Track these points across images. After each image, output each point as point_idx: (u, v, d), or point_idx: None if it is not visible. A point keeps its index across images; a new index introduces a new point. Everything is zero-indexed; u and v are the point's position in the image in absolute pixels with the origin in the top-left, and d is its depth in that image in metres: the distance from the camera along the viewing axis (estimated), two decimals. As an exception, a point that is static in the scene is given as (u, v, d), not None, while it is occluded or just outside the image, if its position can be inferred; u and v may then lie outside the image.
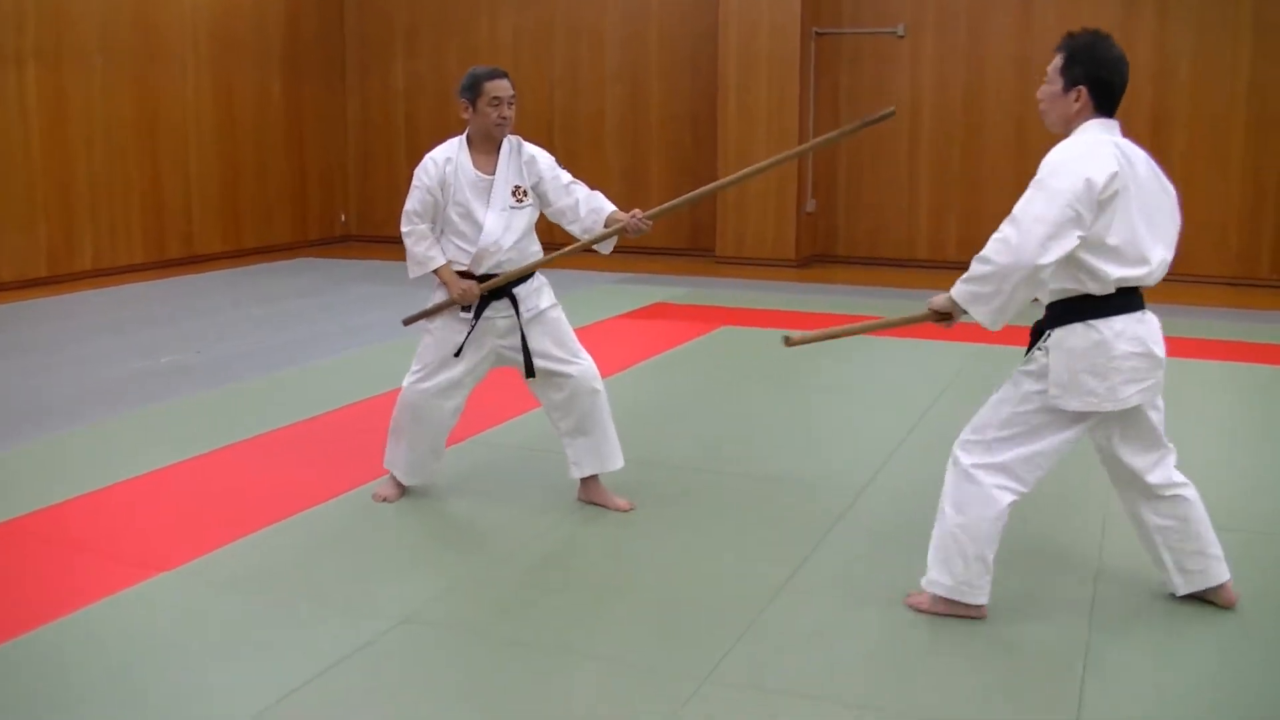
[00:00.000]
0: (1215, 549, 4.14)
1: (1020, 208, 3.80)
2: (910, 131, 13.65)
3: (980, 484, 4.01)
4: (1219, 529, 4.18)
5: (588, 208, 5.16)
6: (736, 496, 5.46)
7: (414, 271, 5.13)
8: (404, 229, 5.10)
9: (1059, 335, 3.90)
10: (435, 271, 5.06)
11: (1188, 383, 8.00)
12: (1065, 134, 3.99)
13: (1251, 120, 12.48)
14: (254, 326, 9.80)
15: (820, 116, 13.81)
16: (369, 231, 16.05)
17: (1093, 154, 3.79)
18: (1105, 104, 3.94)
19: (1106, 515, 5.11)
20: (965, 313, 3.94)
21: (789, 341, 4.20)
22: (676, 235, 14.67)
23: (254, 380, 7.75)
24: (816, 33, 13.62)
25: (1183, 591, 4.18)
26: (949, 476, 4.12)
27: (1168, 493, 4.07)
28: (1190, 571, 4.15)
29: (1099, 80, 3.90)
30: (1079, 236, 3.73)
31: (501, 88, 5.03)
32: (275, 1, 14.67)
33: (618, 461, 5.21)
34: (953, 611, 4.11)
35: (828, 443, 6.49)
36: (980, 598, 4.07)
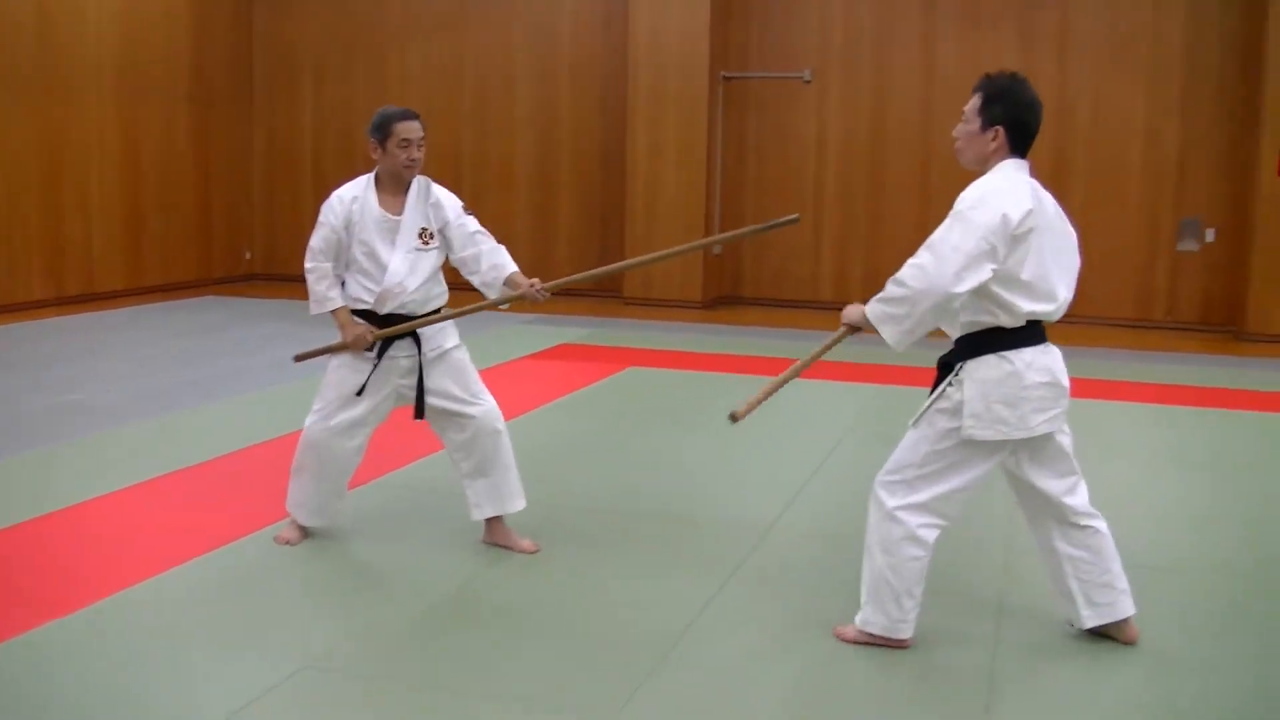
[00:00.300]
0: (1123, 583, 4.22)
1: (938, 235, 3.90)
2: (815, 175, 13.82)
3: (905, 524, 4.08)
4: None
5: (489, 263, 5.18)
6: (643, 537, 5.45)
7: (314, 309, 5.10)
8: (307, 265, 5.07)
9: (972, 367, 3.99)
10: (332, 313, 5.03)
11: (1088, 422, 8.14)
12: (981, 172, 4.09)
13: (1148, 164, 12.82)
14: (157, 365, 9.64)
15: (728, 158, 13.94)
16: (275, 269, 15.87)
17: (1010, 191, 3.91)
18: (1020, 144, 4.06)
19: (1009, 544, 5.18)
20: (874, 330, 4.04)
21: (735, 418, 4.21)
22: (585, 274, 14.67)
23: (156, 420, 7.61)
24: (724, 76, 13.76)
25: (1089, 625, 4.24)
26: (872, 517, 4.17)
27: (1082, 521, 4.17)
28: (1098, 604, 4.21)
29: (1017, 121, 4.02)
30: (992, 269, 3.84)
31: (412, 129, 5.02)
32: (181, 33, 14.49)
33: (519, 503, 5.18)
34: (878, 642, 4.17)
35: (734, 483, 6.51)
36: (908, 632, 4.15)
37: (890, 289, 3.96)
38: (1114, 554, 4.22)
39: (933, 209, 13.24)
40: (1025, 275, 3.90)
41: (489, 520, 5.18)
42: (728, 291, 14.35)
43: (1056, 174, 12.55)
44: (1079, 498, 4.19)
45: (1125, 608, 4.23)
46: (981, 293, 3.90)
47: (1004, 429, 3.97)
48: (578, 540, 5.33)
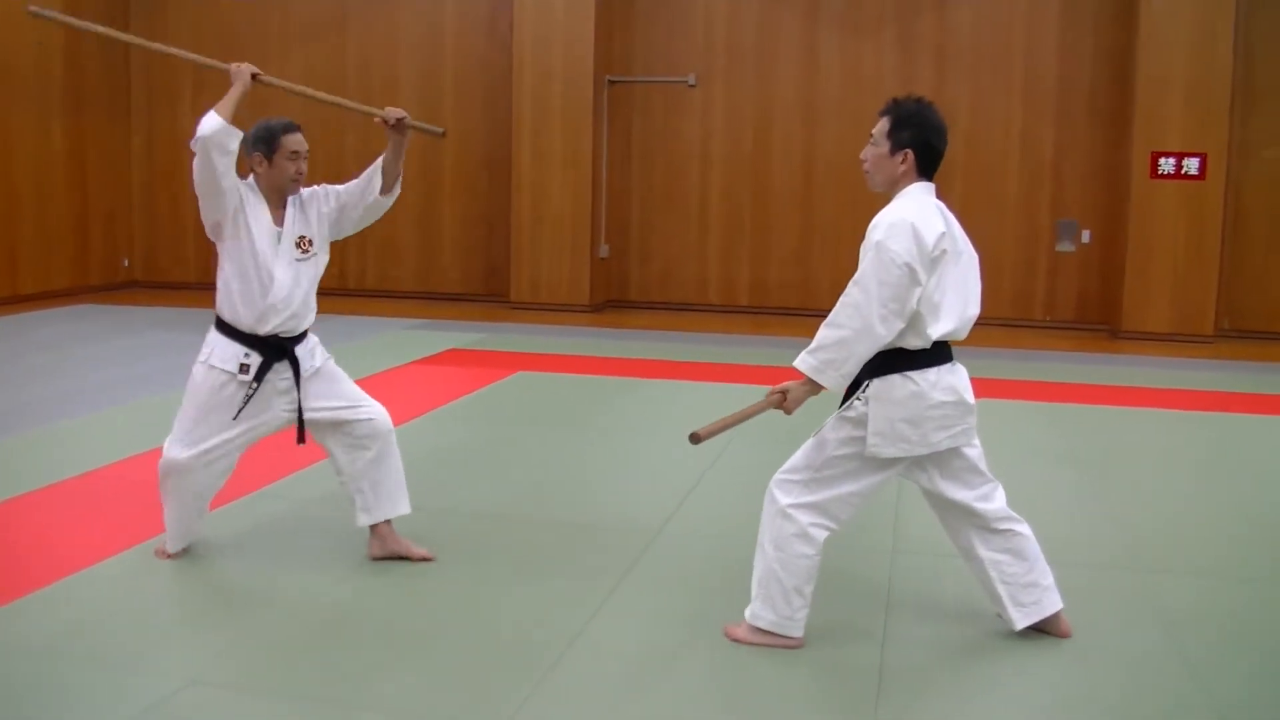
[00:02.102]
0: (1048, 579, 4.31)
1: (863, 272, 3.92)
2: (701, 178, 13.90)
3: (797, 521, 4.12)
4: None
5: (367, 171, 5.09)
6: (533, 543, 5.42)
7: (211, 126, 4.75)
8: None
9: (877, 386, 4.04)
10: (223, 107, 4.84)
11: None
12: (889, 194, 4.16)
13: (1025, 168, 13.10)
14: (31, 376, 9.39)
15: (613, 162, 13.96)
16: (154, 277, 15.58)
17: (922, 215, 3.98)
18: (928, 167, 4.13)
19: (894, 547, 5.24)
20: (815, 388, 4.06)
21: (696, 438, 4.19)
22: (470, 280, 14.64)
23: (29, 433, 7.41)
24: (609, 80, 13.79)
25: (1020, 625, 4.30)
26: (766, 513, 4.22)
27: (1001, 526, 4.24)
28: (1024, 604, 4.29)
29: (925, 145, 4.11)
30: (918, 294, 3.89)
31: (299, 141, 4.94)
32: (55, 37, 14.13)
33: (405, 507, 5.12)
34: (771, 643, 4.19)
35: (624, 486, 6.52)
36: (797, 630, 4.18)
37: (825, 334, 3.99)
38: (1037, 554, 4.29)
39: (816, 214, 13.43)
40: (937, 297, 3.98)
41: (376, 529, 5.09)
42: (615, 295, 14.36)
43: (938, 176, 12.75)
44: (994, 503, 4.26)
45: (1052, 603, 4.31)
46: None
47: (906, 446, 4.04)
48: (466, 547, 5.29)
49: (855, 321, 3.91)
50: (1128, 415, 8.49)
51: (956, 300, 4.04)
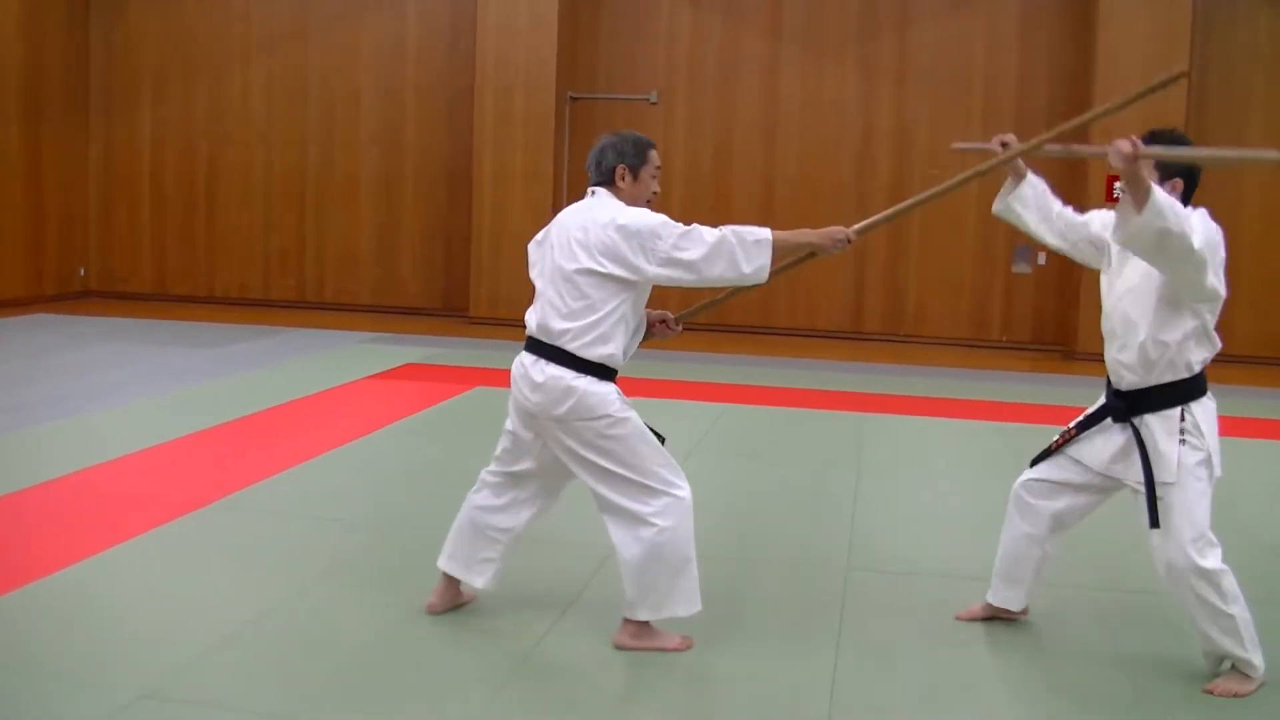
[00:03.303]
0: None
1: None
2: (662, 195, 13.75)
3: (1224, 572, 4.13)
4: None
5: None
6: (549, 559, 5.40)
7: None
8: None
9: (1201, 408, 4.38)
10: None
11: (930, 439, 8.37)
12: None
13: (984, 189, 13.16)
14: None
15: (575, 178, 13.97)
16: (112, 287, 15.43)
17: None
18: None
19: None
20: None
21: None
22: (429, 295, 14.61)
23: (-20, 441, 7.35)
24: (571, 97, 13.81)
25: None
26: (1195, 588, 4.11)
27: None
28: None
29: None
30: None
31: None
32: (12, 43, 14.01)
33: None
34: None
35: (581, 503, 6.49)
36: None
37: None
38: None
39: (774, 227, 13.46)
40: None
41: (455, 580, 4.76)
42: (575, 312, 14.34)
43: (895, 196, 12.84)
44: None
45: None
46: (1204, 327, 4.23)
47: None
48: (422, 564, 5.25)
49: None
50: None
51: None
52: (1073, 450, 4.54)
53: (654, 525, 4.24)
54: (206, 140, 14.78)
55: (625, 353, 4.41)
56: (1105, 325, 4.39)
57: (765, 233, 4.34)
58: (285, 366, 10.36)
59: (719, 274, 4.34)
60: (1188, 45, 12.19)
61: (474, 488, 4.68)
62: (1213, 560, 4.06)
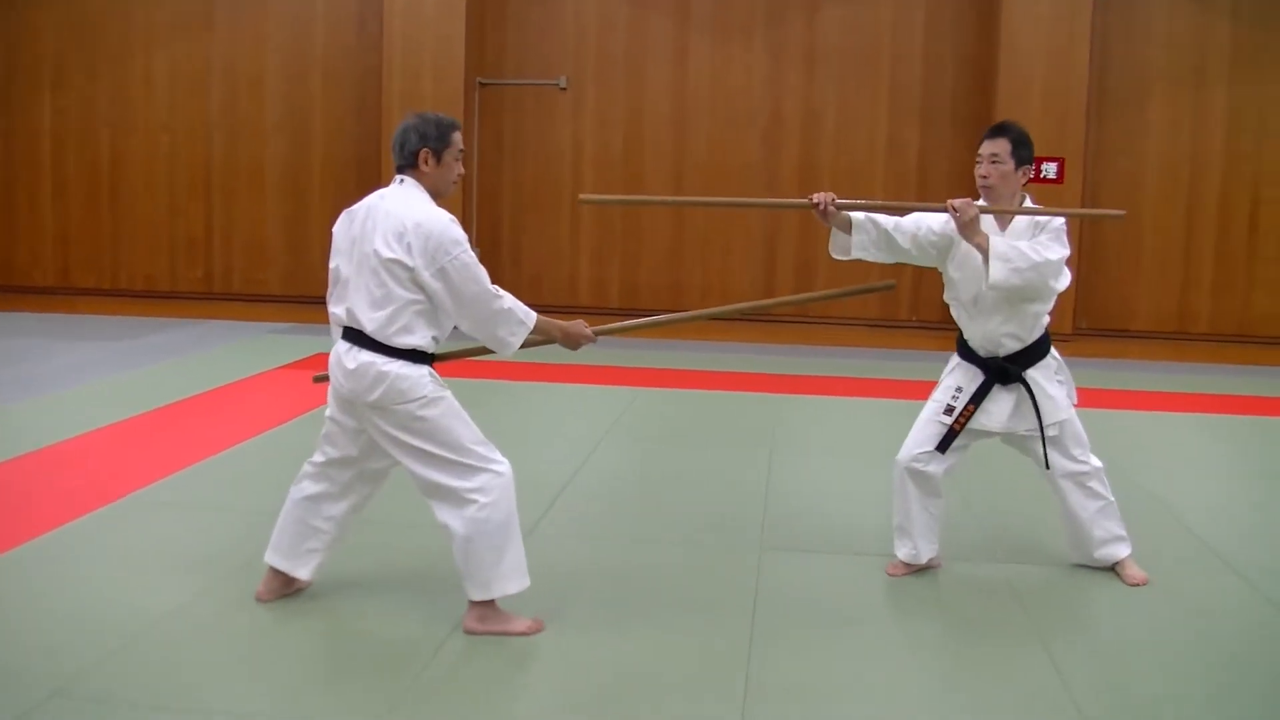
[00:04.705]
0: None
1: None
2: (572, 180, 13.92)
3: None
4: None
5: None
6: (403, 550, 5.39)
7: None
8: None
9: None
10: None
11: (839, 421, 8.47)
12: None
13: (891, 171, 13.35)
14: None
15: (485, 165, 13.93)
16: (11, 280, 15.07)
17: None
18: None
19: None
20: None
21: None
22: (342, 282, 14.46)
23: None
24: (480, 82, 13.75)
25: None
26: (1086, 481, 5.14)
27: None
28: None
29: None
30: None
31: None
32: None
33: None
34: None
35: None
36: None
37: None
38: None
39: (686, 216, 13.53)
40: None
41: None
42: (487, 298, 14.28)
43: (804, 180, 12.99)
44: None
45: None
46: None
47: None
48: (332, 556, 5.23)
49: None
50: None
51: None
52: (971, 423, 5.02)
53: (475, 501, 4.30)
54: (109, 129, 14.47)
55: (437, 339, 4.42)
56: (978, 305, 4.98)
57: (532, 316, 4.49)
58: (195, 358, 10.24)
59: (474, 323, 4.42)
60: (1088, 27, 12.40)
61: (296, 479, 4.66)
62: (1096, 459, 5.13)
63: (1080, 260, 12.56)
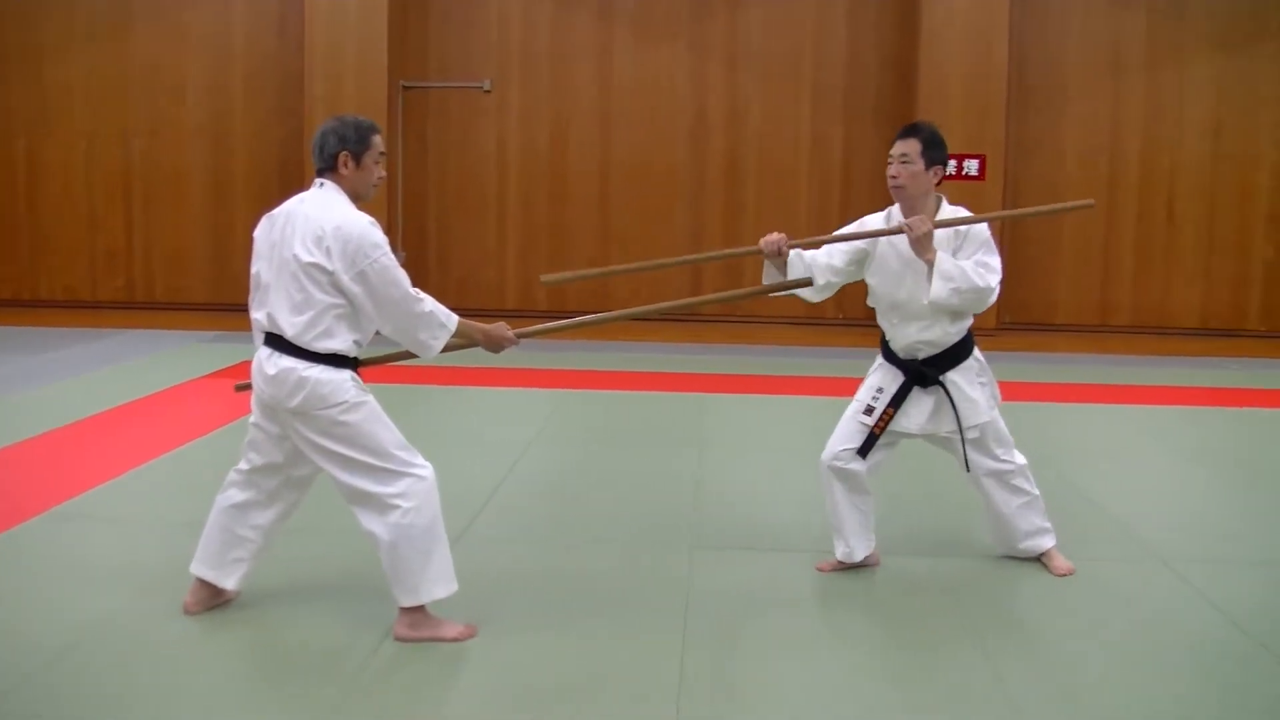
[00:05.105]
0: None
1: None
2: (498, 184, 13.89)
3: None
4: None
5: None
6: (335, 555, 5.34)
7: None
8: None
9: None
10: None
11: (767, 419, 8.50)
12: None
13: (815, 168, 13.45)
14: None
15: (410, 168, 13.85)
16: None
17: None
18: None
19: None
20: None
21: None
22: (266, 288, 14.31)
23: None
24: (404, 86, 13.67)
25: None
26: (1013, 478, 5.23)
27: None
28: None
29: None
30: None
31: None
32: None
33: None
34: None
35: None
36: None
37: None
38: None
39: (613, 218, 13.56)
40: None
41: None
42: (414, 302, 14.21)
43: (729, 178, 13.07)
44: None
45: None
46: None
47: None
48: (261, 565, 5.17)
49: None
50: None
51: None
52: (891, 425, 5.06)
53: (399, 507, 4.28)
54: (25, 137, 14.25)
55: (359, 344, 4.39)
56: (899, 312, 5.02)
57: (453, 319, 4.44)
58: (118, 369, 10.09)
59: (395, 326, 4.35)
60: (1006, 24, 12.57)
61: (222, 487, 4.62)
62: (1020, 456, 5.19)
63: (1003, 256, 12.72)
